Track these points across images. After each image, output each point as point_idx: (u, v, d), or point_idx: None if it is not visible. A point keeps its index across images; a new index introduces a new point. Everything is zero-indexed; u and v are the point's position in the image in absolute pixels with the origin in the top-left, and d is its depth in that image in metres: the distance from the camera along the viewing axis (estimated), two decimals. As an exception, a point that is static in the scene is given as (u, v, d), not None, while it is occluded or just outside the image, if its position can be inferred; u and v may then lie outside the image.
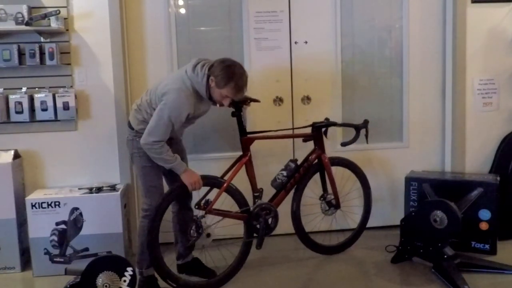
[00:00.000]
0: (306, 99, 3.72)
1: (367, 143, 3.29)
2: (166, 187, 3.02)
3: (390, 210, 3.79)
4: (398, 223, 3.31)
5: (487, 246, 3.32)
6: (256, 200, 3.11)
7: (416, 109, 3.84)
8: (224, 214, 3.05)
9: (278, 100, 3.71)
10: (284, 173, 3.19)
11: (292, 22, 3.65)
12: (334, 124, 3.27)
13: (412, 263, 3.21)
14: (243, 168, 3.12)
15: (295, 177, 3.21)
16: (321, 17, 3.67)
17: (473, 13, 3.66)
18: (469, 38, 3.68)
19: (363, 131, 3.27)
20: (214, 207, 2.98)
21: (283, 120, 3.67)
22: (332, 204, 3.34)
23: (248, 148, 3.11)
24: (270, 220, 3.09)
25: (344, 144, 3.28)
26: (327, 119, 3.32)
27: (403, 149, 3.85)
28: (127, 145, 2.93)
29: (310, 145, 3.33)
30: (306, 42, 3.68)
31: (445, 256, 3.00)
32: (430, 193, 3.39)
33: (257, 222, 3.06)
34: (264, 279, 3.11)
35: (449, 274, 2.88)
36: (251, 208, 3.06)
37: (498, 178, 3.40)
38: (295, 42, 3.68)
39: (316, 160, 3.29)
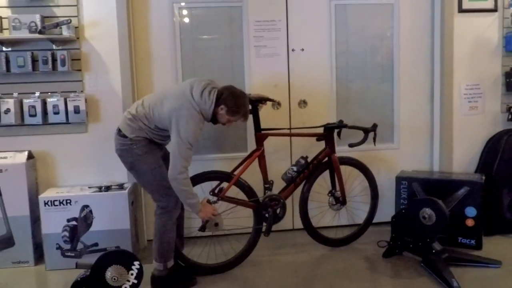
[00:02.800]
0: (303, 103, 3.72)
1: (374, 145, 3.32)
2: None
3: (381, 208, 3.67)
4: (389, 219, 3.31)
5: (473, 242, 3.33)
6: (267, 191, 3.15)
7: (406, 113, 3.85)
8: (236, 201, 3.10)
9: (276, 104, 3.70)
10: (295, 168, 3.22)
11: (289, 31, 3.65)
12: (345, 126, 3.27)
13: (402, 258, 3.22)
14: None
15: (305, 173, 3.24)
16: (317, 26, 3.68)
17: (459, 22, 3.68)
18: (456, 45, 3.70)
19: (371, 134, 3.28)
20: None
21: (280, 123, 3.61)
22: (339, 200, 3.37)
23: (262, 143, 3.18)
24: (278, 210, 3.14)
25: (352, 145, 3.29)
26: (340, 121, 3.32)
27: (394, 150, 3.87)
28: (122, 155, 2.80)
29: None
30: (302, 50, 3.68)
31: (434, 251, 3.01)
32: (419, 192, 3.40)
33: (266, 211, 3.11)
34: (264, 271, 3.11)
35: (437, 268, 2.89)
36: (261, 199, 3.11)
37: (483, 178, 3.42)
38: (292, 50, 3.67)
39: (326, 159, 3.31)
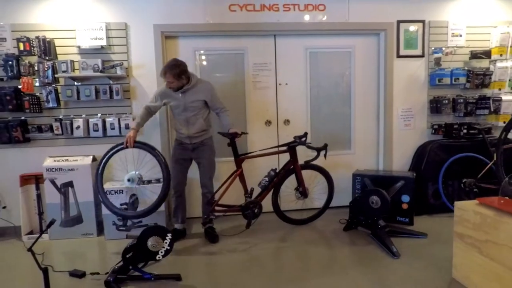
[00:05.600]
0: (287, 121, 3.79)
1: (325, 159, 3.33)
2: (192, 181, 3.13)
3: (342, 196, 3.83)
4: (347, 204, 3.39)
5: (407, 219, 3.40)
6: (247, 198, 3.20)
7: (360, 128, 3.92)
8: (226, 209, 3.17)
9: (268, 122, 3.77)
10: (267, 179, 3.24)
11: (277, 70, 3.72)
12: (303, 144, 3.25)
13: (357, 231, 3.28)
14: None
15: (274, 181, 3.28)
16: (297, 66, 3.75)
17: (397, 64, 3.77)
18: (395, 81, 3.78)
19: (323, 152, 3.27)
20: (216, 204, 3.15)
21: (272, 136, 3.75)
22: (302, 193, 3.39)
23: (240, 165, 3.20)
24: (256, 210, 3.19)
25: (306, 162, 3.29)
26: (306, 133, 3.30)
27: (351, 155, 3.95)
28: None
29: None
30: (287, 84, 3.75)
31: (379, 226, 3.08)
32: (369, 184, 3.47)
33: (247, 211, 3.16)
34: (247, 242, 3.15)
35: (382, 238, 2.97)
36: (244, 204, 3.17)
37: (414, 174, 3.48)
38: (279, 84, 3.74)
39: (292, 167, 3.33)
